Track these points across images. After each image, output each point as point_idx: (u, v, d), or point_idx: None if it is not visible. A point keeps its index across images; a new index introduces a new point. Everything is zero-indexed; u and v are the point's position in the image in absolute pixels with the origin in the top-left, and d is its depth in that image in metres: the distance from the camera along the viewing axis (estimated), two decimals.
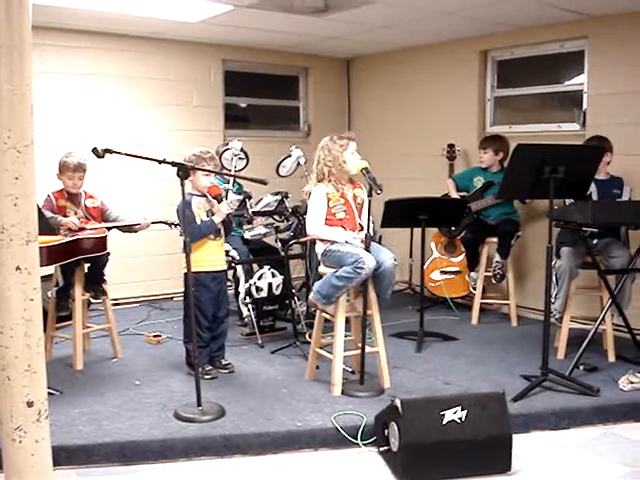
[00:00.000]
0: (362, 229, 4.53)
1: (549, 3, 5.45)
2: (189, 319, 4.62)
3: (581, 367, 4.81)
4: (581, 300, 5.45)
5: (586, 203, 4.73)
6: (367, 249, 4.37)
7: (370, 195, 4.42)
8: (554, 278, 5.10)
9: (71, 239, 4.73)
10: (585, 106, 6.20)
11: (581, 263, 5.18)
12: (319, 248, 4.65)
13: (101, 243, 4.93)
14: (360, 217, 4.54)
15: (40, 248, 2.16)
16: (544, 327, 4.42)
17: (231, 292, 6.46)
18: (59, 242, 4.61)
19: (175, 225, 5.18)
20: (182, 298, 5.06)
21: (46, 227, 4.42)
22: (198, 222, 4.67)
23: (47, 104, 6.24)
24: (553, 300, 5.10)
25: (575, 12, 5.75)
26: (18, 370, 2.02)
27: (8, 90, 1.97)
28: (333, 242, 4.50)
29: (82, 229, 4.90)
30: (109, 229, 5.09)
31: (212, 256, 4.75)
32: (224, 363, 4.96)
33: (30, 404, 2.05)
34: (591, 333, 4.82)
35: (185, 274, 4.63)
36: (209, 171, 4.65)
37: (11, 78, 1.98)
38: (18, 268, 2.01)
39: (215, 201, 4.69)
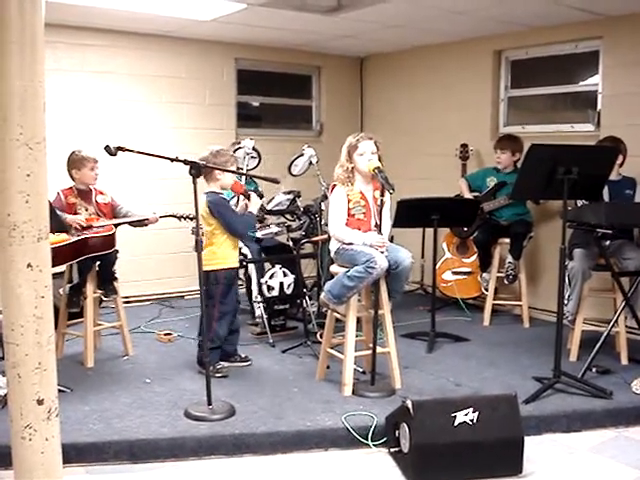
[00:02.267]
0: (379, 230, 4.50)
1: (564, 3, 5.41)
2: (209, 317, 4.72)
3: (593, 369, 4.78)
4: (594, 302, 5.41)
5: (600, 204, 4.70)
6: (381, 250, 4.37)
7: (382, 195, 4.41)
8: (567, 280, 5.07)
9: (77, 238, 4.74)
10: (599, 107, 6.16)
11: (594, 265, 5.14)
12: (333, 246, 4.65)
13: (109, 241, 4.93)
14: (379, 218, 4.51)
15: None
16: (557, 329, 4.39)
17: (242, 291, 6.48)
18: (65, 243, 4.63)
19: (185, 218, 5.20)
20: (199, 296, 4.97)
21: (57, 225, 4.43)
22: None
23: (59, 102, 6.25)
24: (566, 302, 5.07)
25: (590, 12, 5.71)
26: (28, 368, 2.02)
27: (20, 86, 1.97)
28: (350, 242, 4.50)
29: (90, 227, 4.90)
30: (117, 225, 5.09)
31: (235, 251, 4.90)
32: (243, 356, 5.07)
33: (40, 402, 2.04)
34: (604, 335, 4.78)
35: (206, 272, 4.60)
36: (223, 170, 4.65)
37: (22, 74, 1.97)
38: (29, 265, 2.00)
39: (242, 197, 4.94)
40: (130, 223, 5.24)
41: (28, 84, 1.97)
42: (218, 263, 4.76)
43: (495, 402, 3.63)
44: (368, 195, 4.61)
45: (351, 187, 4.57)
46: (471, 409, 3.52)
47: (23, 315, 2.02)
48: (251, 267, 5.97)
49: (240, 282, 6.46)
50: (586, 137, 6.03)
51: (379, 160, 4.52)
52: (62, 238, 4.66)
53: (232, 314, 4.90)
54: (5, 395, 4.03)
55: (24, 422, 2.03)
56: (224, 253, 4.78)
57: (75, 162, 5.06)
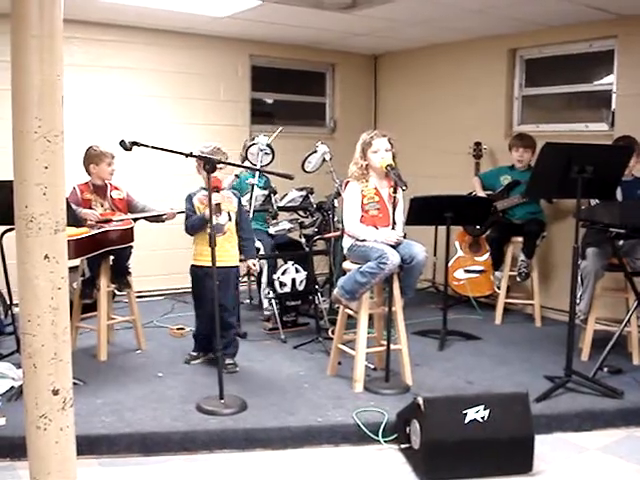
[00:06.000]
0: (394, 227, 4.52)
1: (579, 2, 5.40)
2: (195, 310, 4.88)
3: (605, 369, 4.76)
4: (606, 301, 5.39)
5: (614, 204, 4.69)
6: (393, 246, 4.38)
7: (395, 192, 4.42)
8: (579, 279, 5.06)
9: (98, 231, 4.77)
10: (614, 106, 6.14)
11: (607, 264, 5.13)
12: (346, 243, 4.65)
13: (128, 234, 4.97)
14: (394, 215, 4.52)
15: (67, 241, 2.17)
16: (569, 328, 4.38)
17: (255, 286, 6.51)
18: (85, 235, 4.66)
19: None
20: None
21: (72, 219, 4.46)
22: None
23: (74, 97, 6.28)
24: (578, 301, 5.05)
25: (605, 11, 5.69)
26: (44, 358, 2.04)
27: (39, 80, 1.98)
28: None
29: (109, 220, 4.94)
30: (136, 220, 5.12)
31: (204, 248, 4.51)
32: (227, 362, 4.82)
33: (55, 392, 2.06)
34: (616, 335, 4.77)
35: (191, 266, 4.81)
36: (236, 165, 4.67)
37: (42, 68, 1.99)
38: (46, 257, 2.02)
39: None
40: (147, 218, 5.27)
41: (47, 77, 1.99)
42: (194, 259, 4.81)
43: (506, 400, 3.63)
44: (383, 192, 4.61)
45: (366, 183, 4.58)
46: (482, 406, 3.52)
47: (40, 306, 2.03)
48: (262, 261, 5.99)
49: (253, 278, 6.52)
50: (600, 137, 6.02)
51: (393, 157, 4.52)
52: (82, 231, 4.69)
53: (207, 313, 4.72)
54: (19, 387, 4.08)
55: (39, 412, 2.05)
56: (196, 249, 4.80)
57: (93, 157, 5.09)
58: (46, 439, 2.07)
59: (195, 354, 5.06)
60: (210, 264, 4.12)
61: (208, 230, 4.19)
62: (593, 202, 5.11)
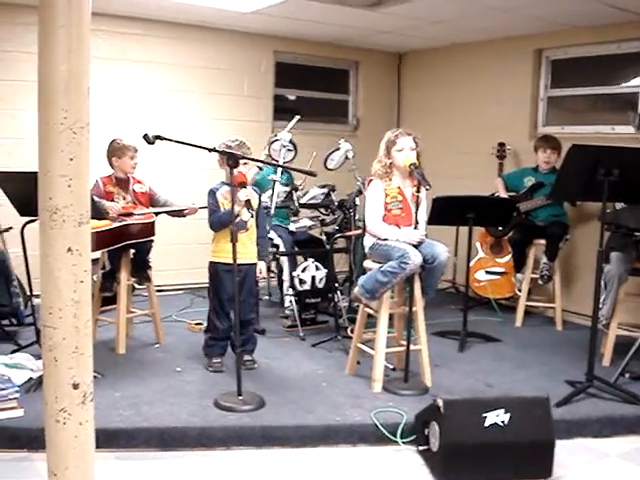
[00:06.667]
0: (417, 227, 4.48)
1: (607, 3, 5.33)
2: (210, 309, 4.78)
3: (627, 375, 4.70)
4: (629, 307, 5.32)
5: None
6: (415, 246, 4.34)
7: (418, 191, 4.39)
8: (602, 283, 5.00)
9: (120, 224, 4.78)
10: None
11: (630, 269, 5.07)
12: (368, 241, 4.62)
13: (149, 228, 4.98)
14: (417, 214, 4.49)
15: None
16: (591, 333, 4.33)
17: (274, 283, 6.50)
18: (108, 227, 4.67)
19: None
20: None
21: (94, 212, 4.46)
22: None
23: (98, 90, 6.29)
24: (600, 306, 5.00)
25: (634, 13, 5.61)
26: (65, 351, 2.02)
27: (65, 70, 1.97)
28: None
29: (131, 214, 4.94)
30: (157, 214, 5.12)
31: (227, 245, 4.38)
32: (245, 358, 4.80)
33: (76, 386, 2.05)
34: (639, 341, 4.71)
35: (210, 262, 4.72)
36: (258, 160, 4.64)
37: (69, 58, 1.98)
38: (69, 250, 2.00)
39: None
40: (169, 213, 5.27)
41: (74, 68, 1.98)
42: (215, 256, 4.71)
43: (527, 404, 3.59)
44: (406, 191, 4.58)
45: (389, 182, 4.55)
46: (502, 410, 3.48)
47: (61, 299, 2.02)
48: (283, 259, 5.98)
49: (272, 275, 6.50)
50: (627, 139, 5.94)
51: (418, 157, 4.49)
52: (104, 223, 4.70)
53: (227, 309, 4.73)
54: (38, 378, 4.09)
55: (59, 406, 2.04)
56: (217, 246, 4.69)
57: (116, 150, 5.10)
58: (65, 433, 2.06)
59: (219, 361, 4.82)
60: (231, 261, 4.09)
61: (231, 226, 4.17)
62: (618, 206, 5.05)
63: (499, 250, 6.79)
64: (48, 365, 2.07)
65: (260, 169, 6.03)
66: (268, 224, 5.37)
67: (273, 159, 5.93)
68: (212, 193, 4.67)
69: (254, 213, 4.72)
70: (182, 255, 7.06)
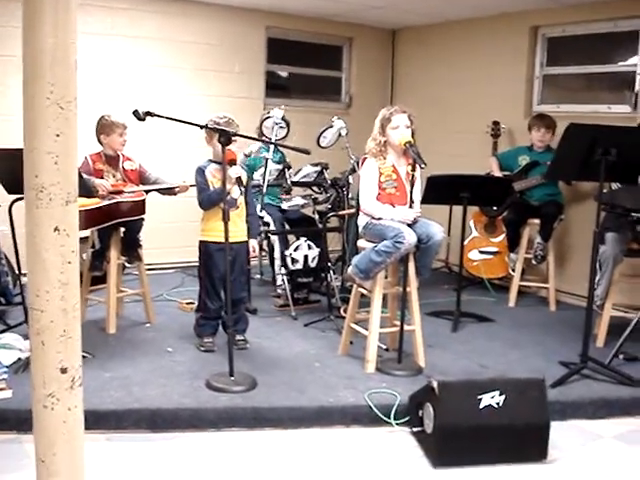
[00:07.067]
0: (411, 206, 4.41)
1: None
2: (201, 288, 4.71)
3: (621, 356, 4.68)
4: (624, 287, 5.30)
5: (636, 188, 4.59)
6: (410, 225, 4.29)
7: (413, 170, 4.33)
8: (597, 264, 4.97)
9: (109, 202, 4.71)
10: (637, 88, 6.01)
11: (626, 249, 5.04)
12: (361, 221, 4.57)
13: (140, 206, 4.91)
14: (412, 193, 4.42)
15: (78, 212, 2.09)
16: (586, 313, 4.30)
17: (266, 262, 6.44)
18: (97, 205, 4.60)
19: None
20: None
21: (83, 189, 4.39)
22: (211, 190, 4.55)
23: (87, 65, 6.17)
24: (595, 286, 4.97)
25: None
26: (53, 335, 1.96)
27: (52, 44, 1.89)
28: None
29: (120, 192, 4.87)
30: (148, 192, 5.05)
31: (218, 224, 4.33)
32: (237, 338, 4.76)
33: (64, 370, 1.98)
34: (633, 322, 4.68)
35: (200, 242, 4.66)
36: (251, 137, 4.57)
37: (55, 32, 1.89)
38: (56, 229, 1.93)
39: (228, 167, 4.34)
40: (159, 190, 5.19)
41: (60, 41, 1.90)
42: (205, 235, 4.65)
43: (522, 386, 3.56)
44: (400, 170, 4.52)
45: (383, 161, 4.49)
46: (498, 392, 3.46)
47: (48, 281, 1.95)
48: (274, 237, 5.91)
49: (264, 253, 6.44)
50: (623, 119, 5.88)
51: (412, 134, 4.42)
52: (93, 201, 4.62)
53: (218, 288, 4.70)
54: (27, 359, 4.03)
55: (47, 390, 1.98)
56: (207, 224, 4.63)
57: (104, 127, 5.02)
58: (53, 419, 2.00)
59: (210, 341, 4.77)
60: (223, 239, 4.03)
61: (221, 205, 4.10)
62: (614, 186, 5.01)
63: (493, 230, 6.75)
64: (35, 349, 2.01)
65: (247, 156, 5.93)
66: (259, 202, 5.31)
67: (265, 136, 5.85)
68: (200, 171, 4.60)
69: (243, 190, 4.65)
70: (173, 233, 6.98)
